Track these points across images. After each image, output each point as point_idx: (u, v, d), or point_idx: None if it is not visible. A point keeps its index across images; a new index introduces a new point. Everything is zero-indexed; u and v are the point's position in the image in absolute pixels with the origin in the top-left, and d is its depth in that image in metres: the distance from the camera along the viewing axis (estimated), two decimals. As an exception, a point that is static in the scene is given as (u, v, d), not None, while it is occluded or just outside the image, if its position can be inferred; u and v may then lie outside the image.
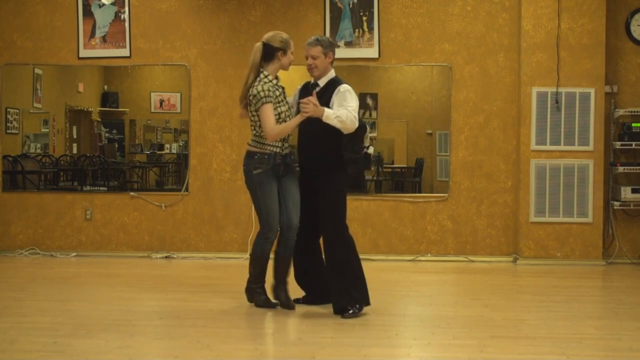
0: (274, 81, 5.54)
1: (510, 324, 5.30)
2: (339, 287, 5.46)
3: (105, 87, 10.83)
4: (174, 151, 11.49)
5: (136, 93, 10.98)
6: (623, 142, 8.14)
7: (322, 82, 5.60)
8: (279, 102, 5.49)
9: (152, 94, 10.84)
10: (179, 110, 10.79)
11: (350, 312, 5.39)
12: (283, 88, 5.60)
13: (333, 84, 5.54)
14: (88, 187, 9.55)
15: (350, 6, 8.37)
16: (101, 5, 8.58)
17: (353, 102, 5.42)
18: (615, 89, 8.29)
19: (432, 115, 9.57)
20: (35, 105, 9.63)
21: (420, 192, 9.16)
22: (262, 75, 5.50)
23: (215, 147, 8.57)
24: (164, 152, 11.52)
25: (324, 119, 5.34)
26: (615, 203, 8.18)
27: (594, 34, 8.08)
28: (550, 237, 8.12)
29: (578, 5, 8.08)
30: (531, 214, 8.13)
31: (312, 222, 5.57)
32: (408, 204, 8.39)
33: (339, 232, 5.50)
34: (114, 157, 11.07)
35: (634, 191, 8.05)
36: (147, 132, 11.57)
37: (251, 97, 5.47)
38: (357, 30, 8.37)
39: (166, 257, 8.48)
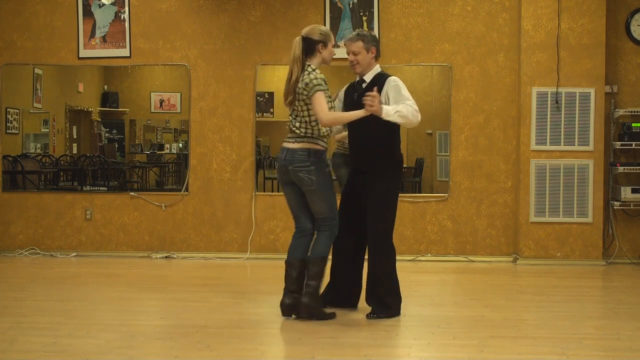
0: (322, 75, 5.31)
1: (510, 324, 5.30)
2: (376, 297, 5.44)
3: (105, 87, 10.83)
4: (174, 151, 11.49)
5: (136, 93, 10.98)
6: (623, 142, 8.14)
7: (367, 78, 5.46)
8: (328, 97, 5.28)
9: (152, 94, 10.84)
10: (179, 110, 10.78)
11: (375, 315, 5.38)
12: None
13: (380, 78, 5.40)
14: (88, 187, 9.55)
15: (350, 6, 8.37)
16: (101, 5, 8.58)
17: (408, 94, 5.29)
18: (615, 89, 8.29)
19: (432, 115, 9.56)
20: (35, 105, 9.63)
21: (420, 192, 9.16)
22: (309, 69, 5.28)
23: (215, 147, 8.57)
24: (164, 152, 11.52)
25: (384, 117, 5.13)
26: (615, 203, 8.18)
27: (594, 34, 8.08)
28: (550, 237, 8.12)
29: (578, 5, 8.08)
30: (531, 214, 8.12)
31: (361, 228, 5.49)
32: (408, 204, 8.39)
33: (386, 239, 5.42)
34: (114, 157, 11.07)
35: (634, 191, 8.05)
36: (147, 132, 11.56)
37: (302, 88, 5.22)
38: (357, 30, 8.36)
39: (166, 257, 8.48)
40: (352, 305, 5.64)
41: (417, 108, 5.24)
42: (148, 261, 8.29)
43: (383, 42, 8.38)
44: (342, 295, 5.64)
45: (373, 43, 5.44)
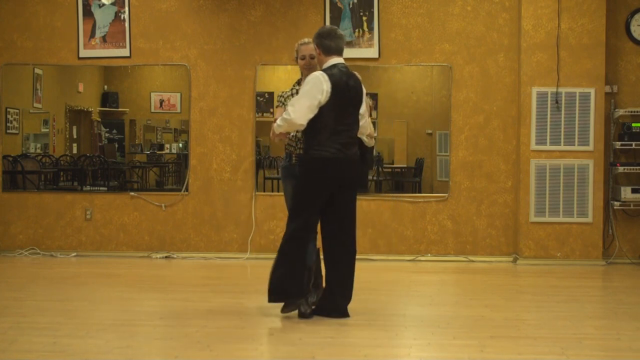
0: (288, 90, 5.69)
1: (510, 324, 5.30)
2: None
3: (105, 87, 10.83)
4: (174, 151, 11.49)
5: (136, 93, 10.98)
6: (623, 142, 8.14)
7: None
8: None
9: (152, 94, 10.84)
10: (179, 110, 10.79)
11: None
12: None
13: None
14: (88, 187, 9.55)
15: (350, 6, 8.37)
16: (101, 5, 8.58)
17: (300, 95, 5.23)
18: (615, 89, 8.29)
19: (432, 115, 9.56)
20: (35, 105, 9.63)
21: (420, 192, 9.16)
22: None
23: (215, 147, 8.57)
24: (164, 152, 11.53)
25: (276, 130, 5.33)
26: (615, 203, 8.18)
27: (594, 34, 8.08)
28: (550, 237, 8.12)
29: (578, 5, 8.08)
30: (531, 214, 8.13)
31: (326, 229, 5.51)
32: (408, 204, 8.40)
33: (285, 237, 5.41)
34: (114, 157, 11.07)
35: (634, 191, 8.05)
36: (147, 132, 11.57)
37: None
38: (357, 30, 8.37)
39: (166, 257, 8.48)
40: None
41: (290, 113, 5.16)
42: (148, 261, 8.29)
43: (383, 42, 8.38)
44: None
45: (315, 41, 5.40)
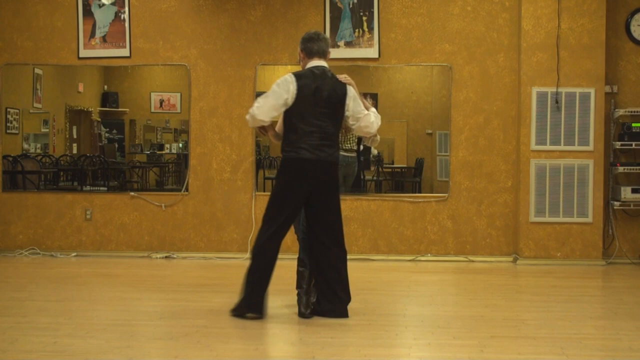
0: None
1: (510, 324, 5.30)
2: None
3: (105, 87, 10.84)
4: (174, 151, 11.50)
5: (136, 93, 10.99)
6: (623, 142, 8.14)
7: None
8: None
9: (152, 94, 10.85)
10: (179, 110, 10.80)
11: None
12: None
13: None
14: (88, 187, 9.55)
15: (350, 6, 8.37)
16: (101, 5, 8.58)
17: (265, 94, 5.33)
18: (615, 89, 8.29)
19: (432, 115, 9.57)
20: (35, 105, 9.63)
21: (420, 192, 9.16)
22: None
23: (215, 147, 8.57)
24: (164, 152, 11.53)
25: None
26: (615, 203, 8.18)
27: (594, 34, 8.08)
28: (550, 237, 8.12)
29: (578, 5, 8.08)
30: (531, 214, 8.13)
31: (312, 231, 5.52)
32: (408, 204, 8.39)
33: (257, 238, 5.45)
34: (114, 157, 11.08)
35: (634, 191, 8.05)
36: (147, 132, 11.58)
37: None
38: (357, 30, 8.37)
39: (166, 257, 8.48)
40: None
41: (254, 108, 5.28)
42: (148, 261, 8.29)
43: (383, 42, 8.38)
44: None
45: (299, 46, 5.49)
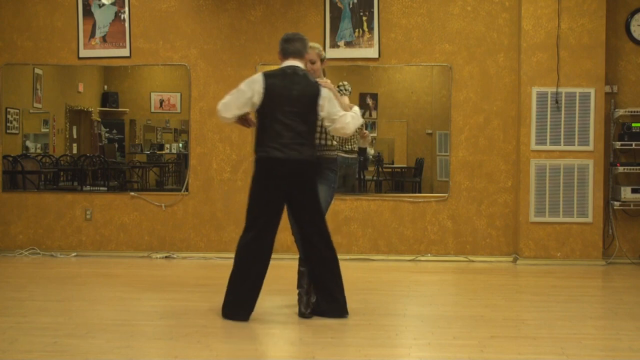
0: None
1: (510, 324, 5.30)
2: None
3: (105, 87, 10.84)
4: (174, 151, 11.50)
5: (136, 93, 10.99)
6: (623, 142, 8.14)
7: None
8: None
9: (152, 94, 10.85)
10: (179, 110, 10.80)
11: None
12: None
13: None
14: (88, 187, 9.56)
15: (350, 6, 8.37)
16: (101, 5, 8.58)
17: (234, 90, 5.37)
18: (615, 89, 8.29)
19: (432, 115, 9.57)
20: (35, 105, 9.63)
21: (420, 192, 9.16)
22: None
23: (215, 147, 8.57)
24: (164, 152, 11.54)
25: None
26: (615, 203, 8.18)
27: (594, 34, 8.08)
28: (550, 237, 8.12)
29: (578, 5, 8.08)
30: (531, 214, 8.13)
31: (302, 232, 5.52)
32: (408, 204, 8.39)
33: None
34: (114, 157, 11.09)
35: (634, 191, 8.05)
36: (147, 132, 11.58)
37: None
38: (357, 30, 8.37)
39: (166, 257, 8.48)
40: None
41: (219, 104, 5.34)
42: (148, 261, 8.29)
43: (383, 42, 8.38)
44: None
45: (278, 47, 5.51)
